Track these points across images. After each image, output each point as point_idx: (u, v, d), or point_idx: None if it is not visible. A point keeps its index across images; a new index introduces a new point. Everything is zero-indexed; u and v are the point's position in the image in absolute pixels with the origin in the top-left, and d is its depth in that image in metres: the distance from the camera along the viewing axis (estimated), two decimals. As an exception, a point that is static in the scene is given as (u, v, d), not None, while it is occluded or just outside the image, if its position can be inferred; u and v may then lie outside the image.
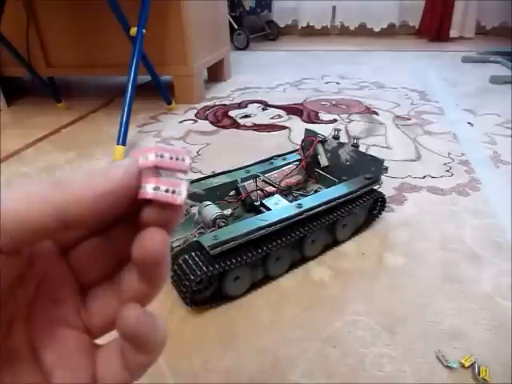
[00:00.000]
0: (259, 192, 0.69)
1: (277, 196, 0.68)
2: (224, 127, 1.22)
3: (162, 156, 0.17)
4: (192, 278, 0.49)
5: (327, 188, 0.68)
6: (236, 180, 0.71)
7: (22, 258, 0.17)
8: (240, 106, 1.42)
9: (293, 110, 1.34)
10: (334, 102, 1.40)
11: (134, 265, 0.18)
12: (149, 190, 0.17)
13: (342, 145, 0.74)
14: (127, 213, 0.17)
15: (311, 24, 2.85)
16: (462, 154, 0.97)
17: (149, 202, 0.17)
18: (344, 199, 0.63)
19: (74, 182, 0.16)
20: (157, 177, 0.17)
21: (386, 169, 0.68)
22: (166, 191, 0.17)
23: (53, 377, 0.18)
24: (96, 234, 0.19)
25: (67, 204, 0.15)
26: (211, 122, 1.26)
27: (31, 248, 0.17)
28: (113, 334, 0.20)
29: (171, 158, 0.17)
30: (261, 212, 0.63)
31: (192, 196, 0.63)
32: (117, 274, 0.20)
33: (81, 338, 0.19)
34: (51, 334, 0.18)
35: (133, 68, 1.09)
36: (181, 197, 0.17)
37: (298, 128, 1.16)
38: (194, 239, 0.54)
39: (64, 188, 0.16)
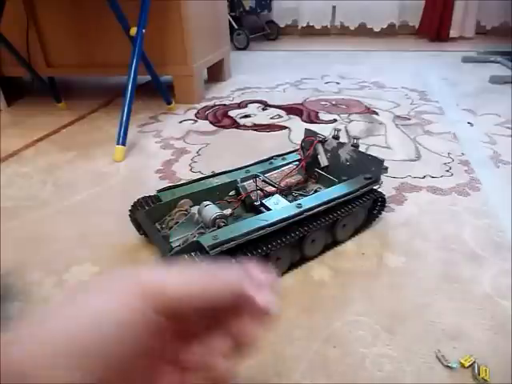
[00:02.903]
0: (259, 192, 0.69)
1: (277, 196, 0.68)
2: (224, 127, 1.22)
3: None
4: (192, 277, 0.49)
5: (327, 188, 0.68)
6: (236, 180, 0.71)
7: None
8: (240, 106, 1.42)
9: (293, 110, 1.34)
10: (333, 102, 1.40)
11: (231, 337, 0.25)
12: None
13: (341, 145, 0.74)
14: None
15: (311, 24, 2.85)
16: (462, 154, 0.97)
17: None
18: (344, 199, 0.63)
19: (215, 278, 0.24)
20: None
21: (386, 169, 0.68)
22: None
23: None
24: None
25: (206, 291, 0.23)
26: (211, 122, 1.26)
27: None
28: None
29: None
30: (261, 212, 0.63)
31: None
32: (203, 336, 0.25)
33: None
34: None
35: (133, 68, 1.09)
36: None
37: (297, 128, 1.16)
38: (194, 239, 0.54)
39: (208, 279, 0.23)
